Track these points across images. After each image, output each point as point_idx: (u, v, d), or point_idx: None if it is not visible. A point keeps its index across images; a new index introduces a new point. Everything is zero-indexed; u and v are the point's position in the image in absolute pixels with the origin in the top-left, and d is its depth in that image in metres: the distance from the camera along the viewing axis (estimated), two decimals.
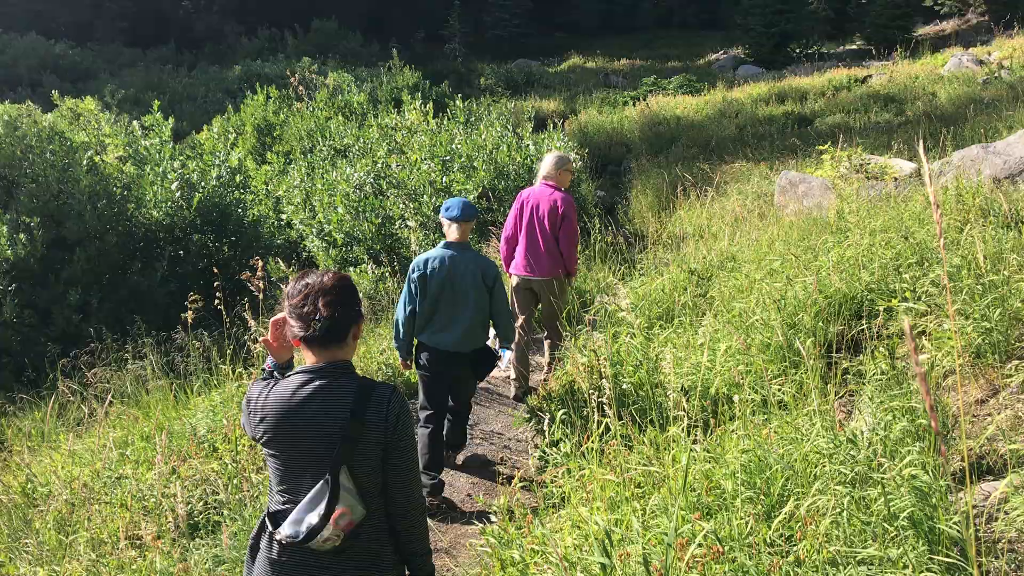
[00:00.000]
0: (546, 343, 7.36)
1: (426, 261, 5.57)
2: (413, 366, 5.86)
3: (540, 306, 7.26)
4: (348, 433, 2.59)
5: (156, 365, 7.85)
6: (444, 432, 5.98)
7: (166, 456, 5.60)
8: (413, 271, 5.56)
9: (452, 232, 5.63)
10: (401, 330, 5.66)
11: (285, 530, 2.60)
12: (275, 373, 2.88)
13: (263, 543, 2.74)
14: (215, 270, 8.33)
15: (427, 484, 5.56)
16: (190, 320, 7.46)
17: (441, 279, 5.54)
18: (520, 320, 7.18)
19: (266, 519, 2.73)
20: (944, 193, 7.40)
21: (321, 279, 2.69)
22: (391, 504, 2.72)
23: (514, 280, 7.21)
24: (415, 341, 5.73)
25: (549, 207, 6.91)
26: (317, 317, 2.61)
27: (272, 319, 2.88)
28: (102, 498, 5.38)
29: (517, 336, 7.11)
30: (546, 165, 7.11)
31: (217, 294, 7.19)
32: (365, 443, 2.62)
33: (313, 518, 2.56)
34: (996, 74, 20.53)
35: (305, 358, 2.73)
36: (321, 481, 2.58)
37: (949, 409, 4.04)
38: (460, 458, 6.33)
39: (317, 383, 2.65)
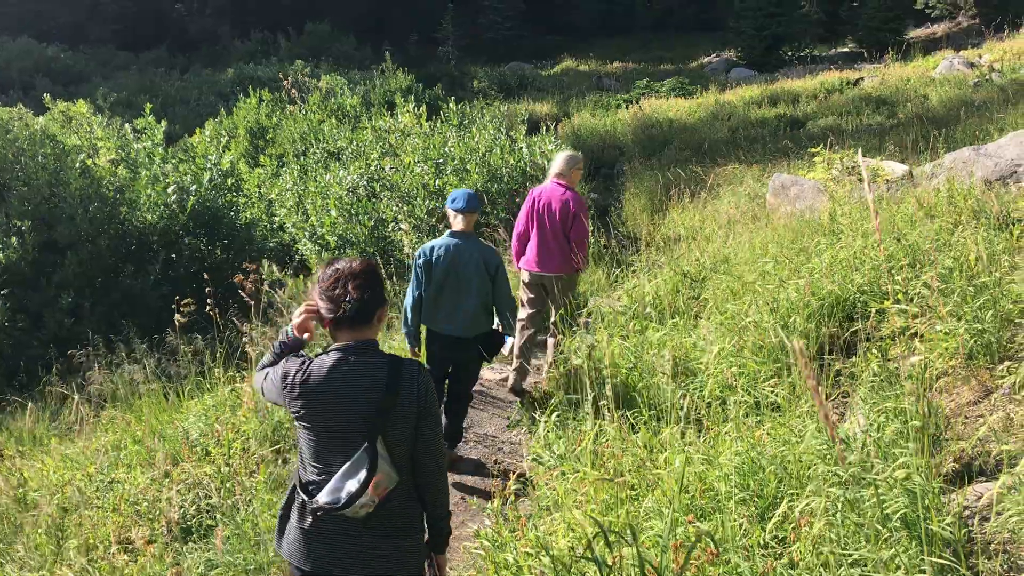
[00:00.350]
0: (550, 340, 7.43)
1: (431, 249, 5.81)
2: (423, 352, 6.09)
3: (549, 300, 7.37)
4: (382, 405, 2.79)
5: (149, 368, 7.83)
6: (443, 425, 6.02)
7: (159, 460, 5.59)
8: (419, 258, 5.81)
9: (457, 222, 5.88)
10: (409, 316, 5.91)
11: (323, 498, 2.75)
12: (300, 351, 3.03)
13: (293, 515, 2.90)
14: (204, 276, 8.28)
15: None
16: (179, 323, 7.43)
17: (445, 266, 5.78)
18: (529, 314, 7.37)
19: (298, 491, 2.88)
20: (936, 195, 7.42)
21: (350, 264, 2.88)
22: (420, 468, 2.92)
23: (525, 275, 7.39)
24: (423, 329, 6.02)
25: (561, 205, 7.07)
26: (348, 299, 2.80)
27: (300, 309, 3.01)
28: (94, 502, 5.36)
29: (523, 326, 7.33)
30: (558, 163, 7.26)
31: (208, 300, 7.17)
32: (397, 414, 2.81)
33: (353, 485, 2.72)
34: (987, 76, 20.61)
35: (334, 338, 2.92)
36: (359, 450, 2.75)
37: (942, 410, 4.05)
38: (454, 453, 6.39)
39: (351, 361, 2.83)
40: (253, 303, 7.85)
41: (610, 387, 4.57)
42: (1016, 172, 10.18)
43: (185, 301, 7.59)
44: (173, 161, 12.82)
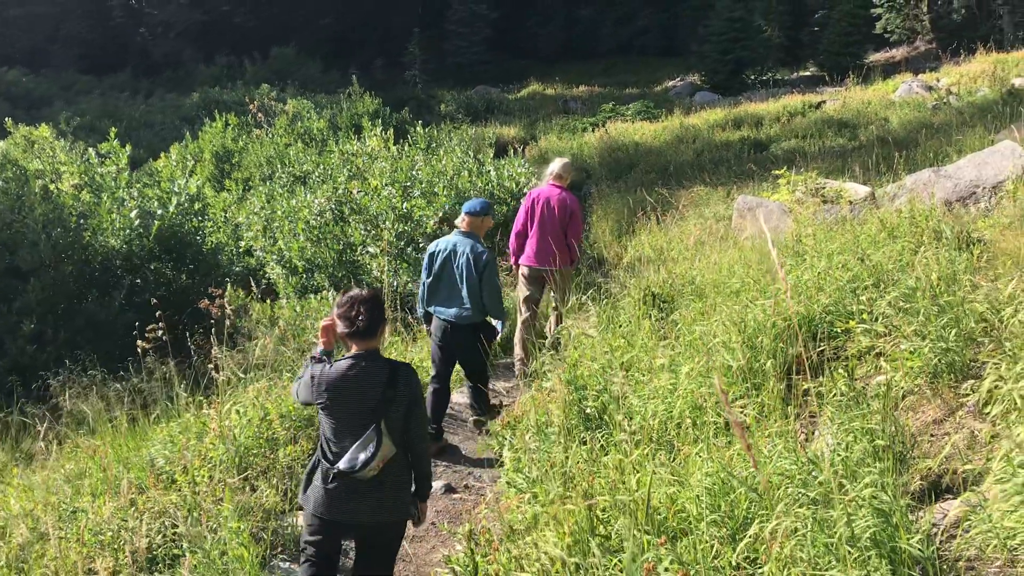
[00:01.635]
0: (552, 316, 8.18)
1: (436, 244, 6.92)
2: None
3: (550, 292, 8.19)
4: (385, 398, 3.79)
5: (114, 395, 7.71)
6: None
7: (124, 488, 5.50)
8: (426, 252, 6.94)
9: (462, 223, 6.90)
10: (421, 301, 7.03)
11: (342, 465, 3.74)
12: (324, 357, 3.98)
13: (317, 479, 3.90)
14: (152, 302, 8.09)
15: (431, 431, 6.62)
16: (144, 349, 7.34)
17: (443, 259, 6.80)
18: (530, 306, 8.21)
19: (322, 459, 3.89)
20: (898, 216, 7.53)
21: (361, 293, 3.89)
22: (411, 440, 3.94)
23: (525, 270, 8.23)
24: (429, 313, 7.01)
25: (559, 204, 7.98)
26: (360, 319, 3.80)
27: (321, 325, 4.08)
28: (57, 533, 5.25)
29: (526, 318, 8.23)
30: (555, 167, 8.29)
31: (161, 324, 7.09)
32: (395, 404, 3.82)
33: (364, 455, 3.72)
34: (945, 100, 21.02)
35: (348, 348, 3.90)
36: (368, 430, 3.74)
37: (908, 429, 4.10)
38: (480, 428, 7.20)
39: (362, 365, 3.83)
40: (218, 328, 7.78)
41: (579, 409, 4.58)
42: (975, 193, 10.38)
43: (150, 327, 7.50)
44: (138, 186, 12.70)
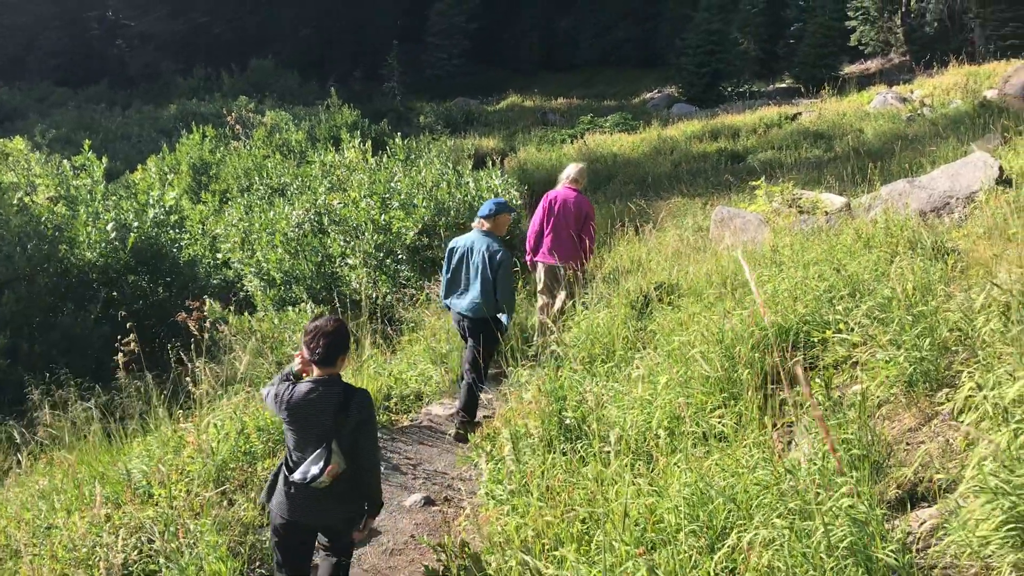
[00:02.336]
0: (562, 294, 8.69)
1: (456, 241, 7.43)
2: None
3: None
4: (336, 421, 4.12)
5: (90, 409, 7.63)
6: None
7: (99, 503, 5.44)
8: (447, 249, 7.44)
9: (479, 223, 7.39)
10: (441, 294, 7.61)
11: (296, 476, 4.13)
12: (290, 377, 4.33)
13: (280, 483, 4.27)
14: (121, 315, 8.02)
15: (459, 419, 7.34)
16: (121, 363, 7.28)
17: (461, 255, 7.30)
18: (545, 298, 8.89)
19: (284, 468, 4.28)
20: (874, 226, 7.59)
21: (324, 326, 4.18)
22: (358, 456, 4.20)
23: (541, 267, 8.84)
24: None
25: (575, 206, 8.58)
26: (318, 350, 4.13)
27: (298, 353, 4.36)
28: (30, 550, 5.18)
29: (541, 304, 8.98)
30: (571, 171, 8.92)
31: (134, 337, 7.03)
32: (346, 426, 4.13)
33: (315, 469, 4.08)
34: (919, 111, 21.27)
35: (310, 372, 4.27)
36: (321, 447, 4.10)
37: (884, 438, 4.13)
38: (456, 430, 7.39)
39: (320, 390, 4.16)
40: (195, 341, 7.73)
41: (559, 420, 4.58)
42: (949, 203, 10.50)
43: (126, 340, 7.44)
44: (114, 198, 12.62)
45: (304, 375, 4.33)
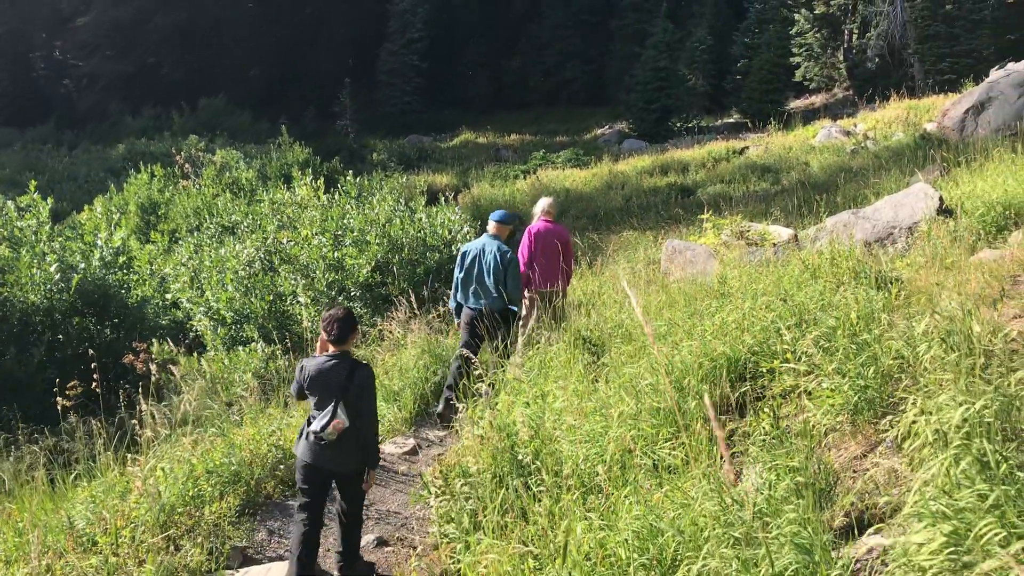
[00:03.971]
0: (532, 317, 9.21)
1: (467, 245, 8.44)
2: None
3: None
4: (343, 386, 5.27)
5: (32, 455, 7.43)
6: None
7: (39, 553, 5.28)
8: (459, 252, 8.43)
9: (491, 228, 8.47)
10: (453, 296, 8.57)
11: (314, 426, 5.25)
12: (313, 356, 5.53)
13: (304, 433, 5.35)
14: (93, 356, 7.97)
15: (444, 399, 8.25)
16: (65, 407, 7.10)
17: (474, 257, 8.28)
18: (532, 320, 9.19)
19: (307, 423, 5.35)
20: (819, 257, 7.71)
21: (337, 312, 5.42)
22: (360, 417, 5.31)
23: (534, 295, 9.27)
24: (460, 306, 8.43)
25: (557, 234, 9.29)
26: (333, 331, 5.34)
27: (319, 340, 5.55)
28: None
29: (523, 315, 9.34)
30: (544, 205, 9.55)
31: (75, 382, 6.88)
32: (350, 391, 5.28)
33: (324, 421, 5.21)
34: (862, 144, 21.80)
35: (326, 349, 5.44)
36: (330, 405, 5.25)
37: (831, 465, 4.17)
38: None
39: (333, 362, 5.34)
40: (144, 383, 7.59)
41: (511, 456, 4.55)
42: (892, 234, 10.74)
43: (71, 384, 7.28)
44: (60, 239, 12.39)
45: (322, 352, 5.51)
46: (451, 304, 8.69)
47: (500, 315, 8.14)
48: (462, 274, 8.34)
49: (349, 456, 5.34)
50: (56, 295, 11.26)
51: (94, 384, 6.92)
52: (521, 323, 9.26)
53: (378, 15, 55.37)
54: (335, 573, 5.57)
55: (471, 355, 7.62)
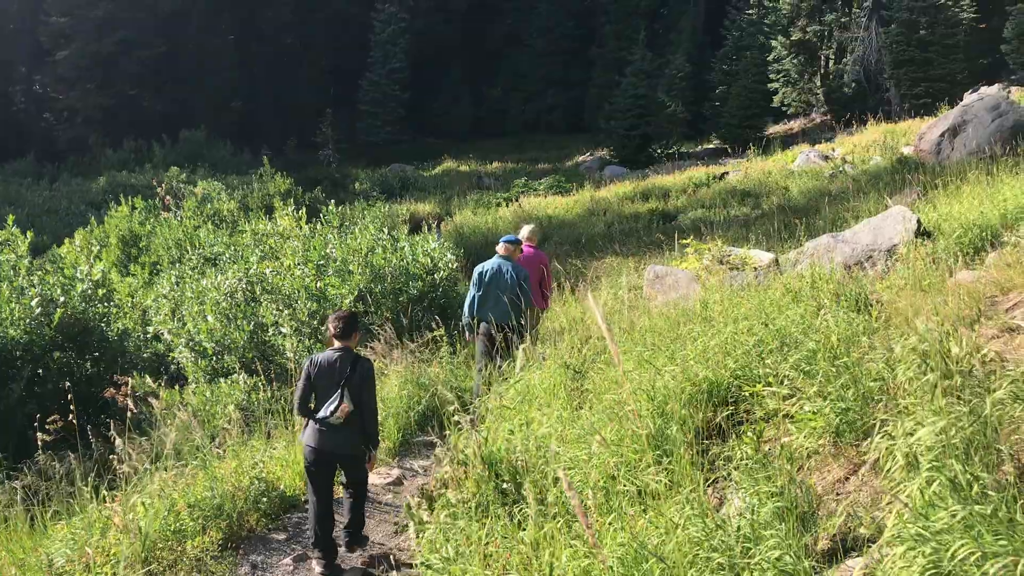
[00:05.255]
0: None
1: (482, 265, 9.24)
2: (474, 338, 9.42)
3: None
4: (347, 376, 6.01)
5: (12, 492, 7.33)
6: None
7: None
8: (475, 272, 9.23)
9: (500, 249, 9.32)
10: (465, 312, 9.38)
11: (320, 413, 6.01)
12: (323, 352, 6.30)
13: (311, 423, 6.11)
14: (73, 391, 7.90)
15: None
16: (44, 441, 7.02)
17: (491, 276, 9.10)
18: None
19: (313, 413, 6.09)
20: (800, 281, 7.75)
21: (342, 312, 6.27)
22: (362, 404, 6.08)
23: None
24: (475, 320, 9.19)
25: (539, 261, 10.10)
26: (339, 328, 6.16)
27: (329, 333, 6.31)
28: None
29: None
30: (525, 232, 10.37)
31: (56, 417, 6.81)
32: (353, 381, 6.03)
33: (331, 407, 5.97)
34: (841, 168, 22.01)
35: (332, 344, 6.23)
36: (335, 393, 5.97)
37: (813, 489, 4.17)
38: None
39: (337, 355, 6.11)
40: (125, 417, 7.52)
41: (496, 484, 4.53)
42: (872, 256, 10.82)
43: (51, 418, 7.20)
44: (39, 273, 12.29)
45: (330, 346, 6.28)
46: (464, 320, 9.40)
47: (514, 329, 8.89)
48: (480, 292, 9.10)
49: (350, 440, 6.09)
50: (36, 330, 11.16)
51: (71, 416, 6.83)
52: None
53: (359, 45, 55.70)
54: (341, 544, 6.37)
55: (490, 361, 8.78)
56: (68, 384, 8.57)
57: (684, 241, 13.12)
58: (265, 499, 6.99)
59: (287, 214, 15.26)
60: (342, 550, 6.37)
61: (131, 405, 7.28)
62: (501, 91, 59.15)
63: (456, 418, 6.33)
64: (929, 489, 3.00)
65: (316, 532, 6.15)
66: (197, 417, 9.12)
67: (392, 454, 8.55)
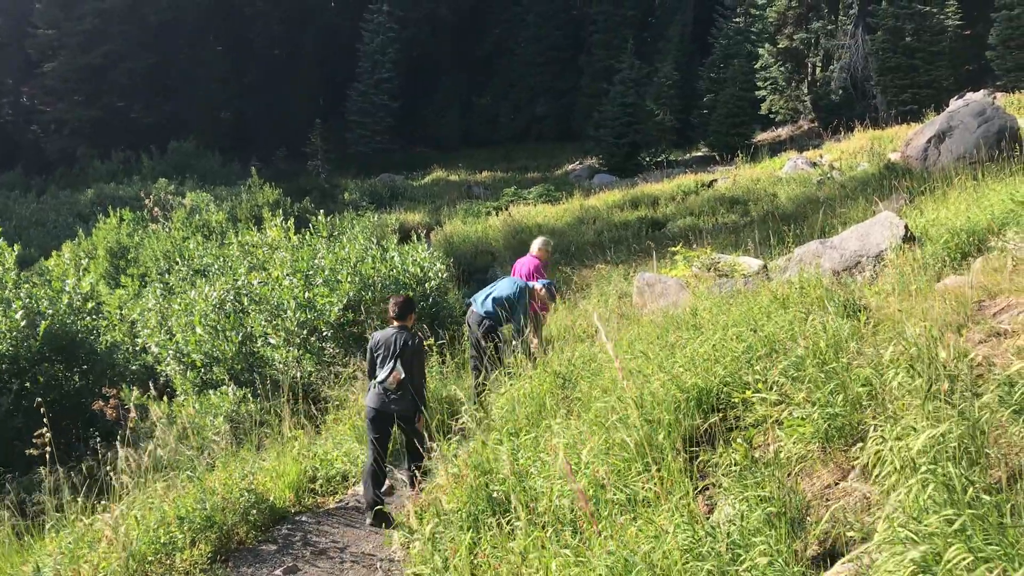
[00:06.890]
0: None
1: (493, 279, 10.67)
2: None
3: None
4: (401, 348, 7.15)
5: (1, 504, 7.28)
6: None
7: None
8: (489, 277, 10.51)
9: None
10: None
11: (379, 377, 7.15)
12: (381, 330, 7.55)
13: (372, 388, 7.27)
14: (36, 404, 7.75)
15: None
16: (32, 455, 6.98)
17: (500, 280, 9.93)
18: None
19: (375, 379, 7.24)
20: (789, 287, 7.77)
21: (398, 296, 7.75)
22: (412, 374, 7.16)
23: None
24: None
25: (529, 266, 11.00)
26: (396, 309, 7.44)
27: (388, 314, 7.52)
28: None
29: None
30: (536, 244, 11.55)
31: (46, 430, 6.76)
32: (406, 352, 7.15)
33: (385, 372, 7.09)
34: (828, 175, 22.08)
35: (391, 323, 7.43)
36: (391, 361, 7.11)
37: (803, 494, 4.17)
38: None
39: (393, 332, 7.29)
40: (113, 430, 7.48)
41: (486, 494, 4.52)
42: (860, 262, 10.85)
43: (38, 432, 7.16)
44: (26, 286, 12.24)
45: (390, 324, 7.44)
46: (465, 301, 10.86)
47: (491, 331, 9.32)
48: (482, 288, 10.02)
49: (404, 402, 7.15)
50: (22, 342, 11.10)
51: (46, 431, 6.76)
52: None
53: (348, 55, 55.68)
54: (405, 480, 7.27)
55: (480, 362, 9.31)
56: (41, 399, 8.41)
57: (673, 248, 13.15)
58: (255, 511, 6.96)
59: (276, 225, 15.23)
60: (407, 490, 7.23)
61: (119, 417, 7.22)
62: (490, 100, 59.24)
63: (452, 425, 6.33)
64: (924, 492, 3.00)
65: (368, 487, 7.14)
66: (187, 429, 9.08)
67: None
